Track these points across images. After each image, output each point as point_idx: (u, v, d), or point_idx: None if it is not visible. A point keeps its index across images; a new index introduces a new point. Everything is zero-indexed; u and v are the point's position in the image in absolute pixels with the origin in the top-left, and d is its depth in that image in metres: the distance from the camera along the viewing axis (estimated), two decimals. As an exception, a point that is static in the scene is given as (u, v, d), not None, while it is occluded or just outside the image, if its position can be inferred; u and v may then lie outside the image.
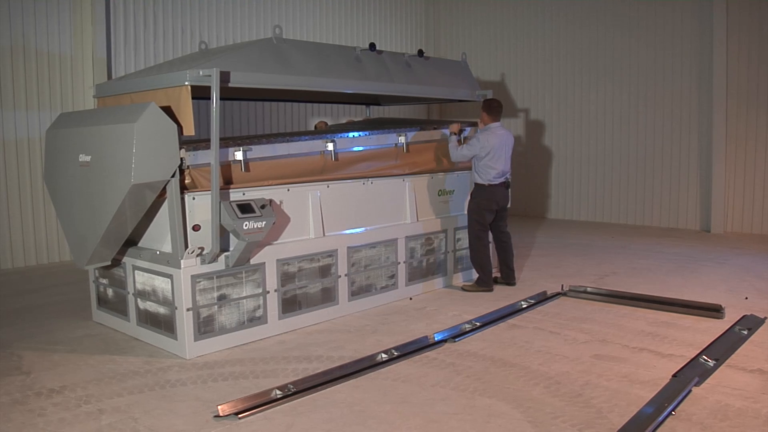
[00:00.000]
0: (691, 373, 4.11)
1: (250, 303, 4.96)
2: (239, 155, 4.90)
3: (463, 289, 6.53)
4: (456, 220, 6.79)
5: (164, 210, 4.68)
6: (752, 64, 9.86)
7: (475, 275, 6.64)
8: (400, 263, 6.19)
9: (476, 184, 6.45)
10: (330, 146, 5.60)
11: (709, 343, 4.75)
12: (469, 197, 6.60)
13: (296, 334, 5.15)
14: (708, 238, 9.81)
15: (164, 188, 4.44)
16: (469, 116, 12.06)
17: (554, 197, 12.37)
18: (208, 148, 4.52)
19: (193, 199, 4.62)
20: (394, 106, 12.14)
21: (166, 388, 4.03)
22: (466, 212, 6.64)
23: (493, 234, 6.62)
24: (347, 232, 5.76)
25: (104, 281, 5.42)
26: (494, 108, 6.47)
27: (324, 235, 5.52)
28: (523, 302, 5.98)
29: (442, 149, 6.68)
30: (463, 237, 6.80)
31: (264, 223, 4.60)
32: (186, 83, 4.41)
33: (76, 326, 5.45)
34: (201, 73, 4.39)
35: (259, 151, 5.07)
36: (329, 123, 11.63)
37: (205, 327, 4.68)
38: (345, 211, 5.76)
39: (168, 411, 3.69)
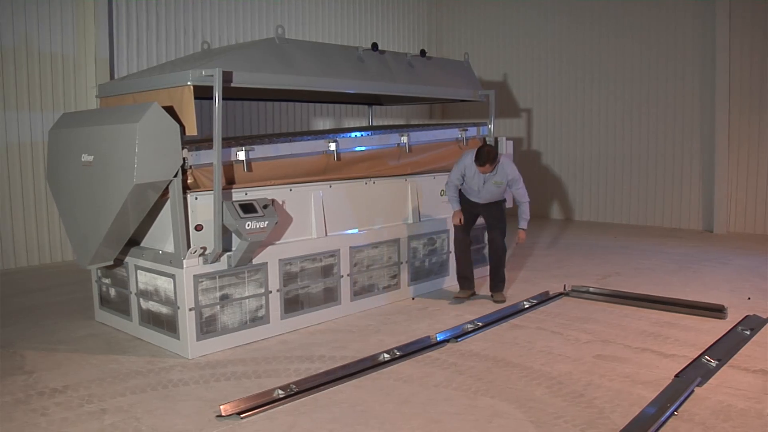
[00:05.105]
0: (694, 374, 4.11)
1: (253, 303, 4.96)
2: (242, 155, 4.90)
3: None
4: (458, 220, 6.79)
5: (167, 210, 4.68)
6: (755, 65, 9.84)
7: (477, 275, 6.63)
8: (402, 263, 6.19)
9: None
10: (332, 146, 5.60)
11: (711, 343, 4.74)
12: None
13: (298, 334, 5.15)
14: (711, 238, 9.79)
15: (167, 188, 4.45)
16: (471, 116, 12.08)
17: (556, 197, 12.35)
18: (211, 148, 4.53)
19: (196, 199, 4.62)
20: (397, 106, 12.16)
21: (169, 388, 4.04)
22: None
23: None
24: (349, 232, 5.76)
25: (107, 281, 5.43)
26: (476, 154, 5.87)
27: (326, 235, 5.52)
28: (525, 302, 5.98)
29: (444, 150, 6.67)
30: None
31: (266, 223, 4.60)
32: (188, 83, 4.42)
33: (78, 326, 5.46)
34: (203, 73, 4.40)
35: (261, 151, 5.07)
36: (331, 124, 11.68)
37: (207, 327, 4.68)
38: (347, 211, 5.76)
39: (170, 411, 3.70)
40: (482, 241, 6.83)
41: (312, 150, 5.50)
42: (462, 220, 6.04)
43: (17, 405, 3.80)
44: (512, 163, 6.12)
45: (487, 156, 5.68)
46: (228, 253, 4.74)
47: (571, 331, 5.18)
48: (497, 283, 6.17)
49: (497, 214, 6.12)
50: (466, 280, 6.21)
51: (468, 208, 6.12)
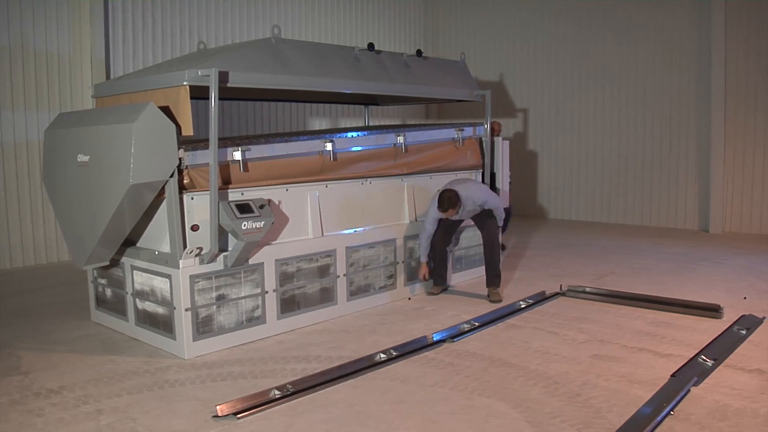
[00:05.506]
0: (690, 373, 4.12)
1: (249, 303, 4.96)
2: (238, 155, 4.89)
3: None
4: (455, 220, 6.79)
5: (163, 210, 4.67)
6: (750, 65, 9.87)
7: (470, 276, 6.63)
8: (398, 263, 6.18)
9: None
10: (328, 146, 5.59)
11: (707, 343, 4.75)
12: None
13: (295, 334, 5.15)
14: (706, 237, 9.82)
15: (163, 188, 4.44)
16: (468, 116, 12.08)
17: (553, 197, 12.37)
18: (207, 148, 4.52)
19: (192, 199, 4.62)
20: (393, 106, 12.16)
21: (165, 389, 4.03)
22: None
23: None
24: (346, 232, 5.76)
25: (103, 281, 5.42)
26: (438, 202, 5.93)
27: (323, 235, 5.52)
28: (521, 302, 5.98)
29: (440, 150, 6.67)
30: (461, 238, 6.80)
31: (262, 223, 4.60)
32: (184, 83, 4.41)
33: (74, 326, 5.44)
34: (199, 73, 4.39)
35: (257, 151, 5.07)
36: (327, 124, 11.68)
37: (203, 327, 4.68)
38: (344, 211, 5.76)
39: (167, 411, 3.69)
40: (476, 241, 6.83)
41: (308, 150, 5.49)
42: (426, 276, 6.22)
43: (13, 406, 3.79)
44: (478, 184, 6.27)
45: (449, 202, 5.83)
46: (224, 254, 4.74)
47: (568, 331, 5.19)
48: (492, 276, 6.21)
49: (484, 213, 6.21)
50: (439, 277, 6.41)
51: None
